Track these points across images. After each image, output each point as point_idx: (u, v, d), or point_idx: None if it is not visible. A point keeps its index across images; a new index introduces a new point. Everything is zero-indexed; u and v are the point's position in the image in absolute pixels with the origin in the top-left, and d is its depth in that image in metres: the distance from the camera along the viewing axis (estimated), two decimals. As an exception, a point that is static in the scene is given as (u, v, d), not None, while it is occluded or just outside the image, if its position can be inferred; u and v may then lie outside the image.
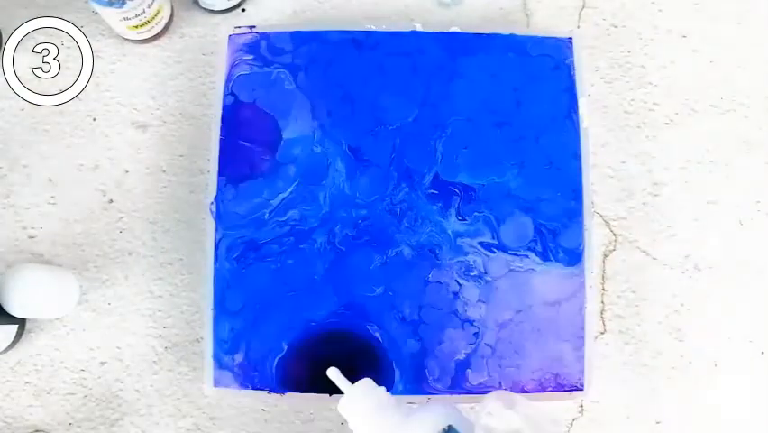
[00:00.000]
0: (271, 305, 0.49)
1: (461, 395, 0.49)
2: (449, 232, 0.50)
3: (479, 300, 0.49)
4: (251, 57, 0.52)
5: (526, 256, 0.49)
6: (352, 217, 0.50)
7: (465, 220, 0.50)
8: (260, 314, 0.49)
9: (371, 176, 0.50)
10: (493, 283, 0.49)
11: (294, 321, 0.49)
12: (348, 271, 0.49)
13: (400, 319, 0.49)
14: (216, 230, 0.49)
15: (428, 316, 0.49)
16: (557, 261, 0.49)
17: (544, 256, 0.49)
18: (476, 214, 0.50)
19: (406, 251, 0.49)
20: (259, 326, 0.49)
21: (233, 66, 0.51)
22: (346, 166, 0.50)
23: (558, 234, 0.50)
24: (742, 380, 0.53)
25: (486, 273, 0.49)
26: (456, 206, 0.50)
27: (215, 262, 0.49)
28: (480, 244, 0.50)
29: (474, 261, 0.49)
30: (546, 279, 0.49)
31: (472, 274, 0.49)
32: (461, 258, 0.49)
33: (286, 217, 0.50)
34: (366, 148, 0.50)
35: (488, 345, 0.49)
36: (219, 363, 0.49)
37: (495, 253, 0.50)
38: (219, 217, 0.49)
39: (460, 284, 0.49)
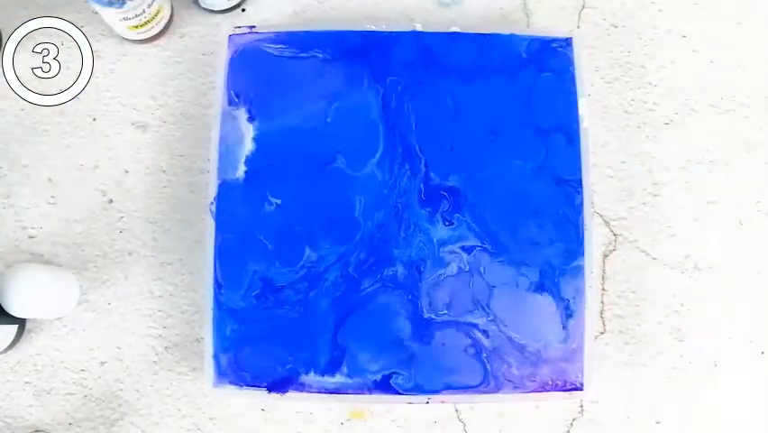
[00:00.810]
0: (273, 305, 0.49)
1: (461, 395, 0.49)
2: (435, 239, 0.50)
3: (477, 302, 0.49)
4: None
5: (524, 264, 0.50)
6: (371, 229, 0.50)
7: (453, 224, 0.50)
8: (261, 313, 0.49)
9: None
10: (491, 285, 0.49)
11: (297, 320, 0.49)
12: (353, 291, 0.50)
13: (400, 319, 0.49)
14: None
15: (428, 317, 0.49)
16: (555, 262, 0.50)
17: (542, 263, 0.50)
18: (460, 217, 0.50)
19: (400, 269, 0.49)
20: (259, 325, 0.49)
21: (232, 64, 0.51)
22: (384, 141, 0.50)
23: (556, 236, 0.50)
24: (742, 380, 0.53)
25: (484, 276, 0.49)
26: (448, 209, 0.50)
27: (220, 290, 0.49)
28: (474, 246, 0.50)
29: (470, 262, 0.49)
30: (547, 282, 0.49)
31: (469, 276, 0.49)
32: (456, 260, 0.49)
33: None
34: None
35: (487, 345, 0.49)
36: (219, 363, 0.48)
37: (491, 255, 0.49)
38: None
39: (457, 286, 0.49)
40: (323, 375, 0.48)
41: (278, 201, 0.50)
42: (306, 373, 0.48)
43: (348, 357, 0.48)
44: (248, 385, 0.48)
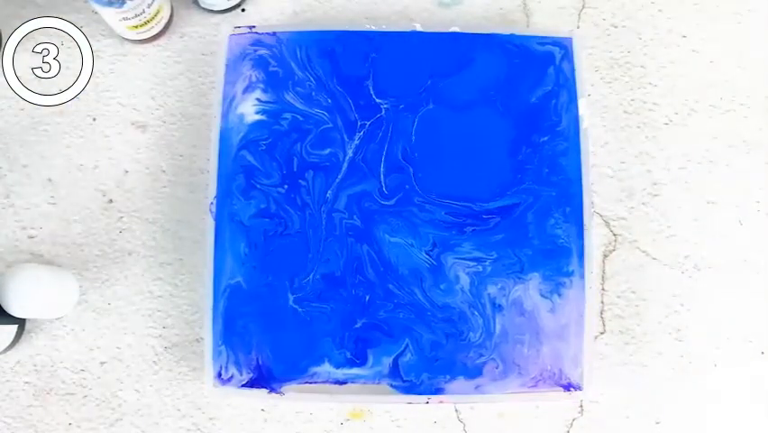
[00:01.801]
0: (272, 304, 0.49)
1: (461, 395, 0.49)
2: (439, 235, 0.50)
3: (476, 301, 0.49)
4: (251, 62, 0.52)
5: (521, 265, 0.50)
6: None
7: (455, 223, 0.50)
8: (261, 313, 0.49)
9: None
10: (491, 285, 0.49)
11: (294, 319, 0.49)
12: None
13: (396, 318, 0.49)
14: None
15: (425, 318, 0.49)
16: (555, 263, 0.50)
17: (540, 262, 0.50)
18: (470, 219, 0.50)
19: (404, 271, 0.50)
20: (259, 325, 0.49)
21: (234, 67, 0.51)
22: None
23: (556, 236, 0.50)
24: (742, 380, 0.53)
25: (482, 275, 0.49)
26: (448, 209, 0.50)
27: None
28: (474, 248, 0.50)
29: (468, 266, 0.49)
30: (546, 283, 0.49)
31: (469, 277, 0.49)
32: (456, 263, 0.50)
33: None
34: (363, 151, 0.51)
35: (487, 345, 0.49)
36: (219, 364, 0.48)
37: (487, 259, 0.50)
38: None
39: (457, 287, 0.49)
40: (336, 367, 0.49)
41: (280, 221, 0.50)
42: (318, 365, 0.49)
43: (359, 346, 0.49)
44: (248, 385, 0.48)
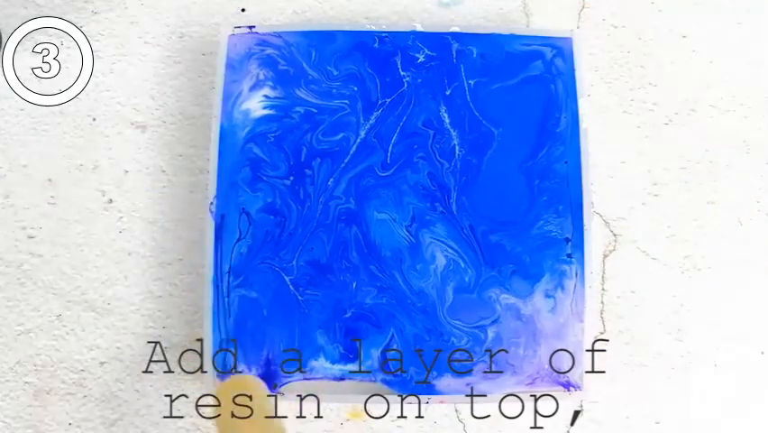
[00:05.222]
0: (272, 304, 0.49)
1: (461, 395, 0.49)
2: (442, 229, 0.50)
3: (476, 298, 0.49)
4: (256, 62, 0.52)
5: (522, 263, 0.50)
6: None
7: (448, 220, 0.50)
8: (261, 313, 0.49)
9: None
10: (488, 283, 0.49)
11: (293, 310, 0.49)
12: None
13: (380, 305, 0.49)
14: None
15: (424, 311, 0.49)
16: (552, 263, 0.50)
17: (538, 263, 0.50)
18: (455, 214, 0.50)
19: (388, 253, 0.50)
20: (259, 324, 0.49)
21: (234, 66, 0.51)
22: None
23: (555, 236, 0.50)
24: (742, 380, 0.53)
25: (480, 273, 0.49)
26: (452, 207, 0.50)
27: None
28: (468, 245, 0.50)
29: (466, 259, 0.50)
30: (544, 281, 0.49)
31: (465, 273, 0.49)
32: (451, 255, 0.50)
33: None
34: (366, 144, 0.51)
35: (486, 344, 0.49)
36: (219, 363, 0.48)
37: (487, 255, 0.50)
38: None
39: (456, 281, 0.49)
40: (332, 363, 0.49)
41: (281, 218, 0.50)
42: (315, 359, 0.49)
43: (349, 339, 0.49)
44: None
